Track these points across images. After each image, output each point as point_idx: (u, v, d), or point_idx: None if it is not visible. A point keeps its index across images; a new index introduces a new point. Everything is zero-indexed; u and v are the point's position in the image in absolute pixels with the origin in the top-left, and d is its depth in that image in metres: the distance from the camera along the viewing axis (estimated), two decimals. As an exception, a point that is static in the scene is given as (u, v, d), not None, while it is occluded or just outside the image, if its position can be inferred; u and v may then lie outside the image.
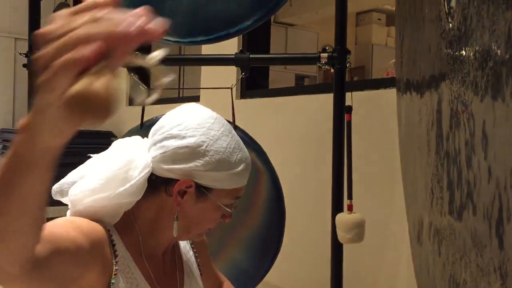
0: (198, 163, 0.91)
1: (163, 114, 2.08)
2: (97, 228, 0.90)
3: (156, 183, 0.94)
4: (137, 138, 1.01)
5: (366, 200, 2.61)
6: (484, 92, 0.65)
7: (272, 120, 3.31)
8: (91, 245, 0.85)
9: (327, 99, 2.17)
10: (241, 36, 3.47)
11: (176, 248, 1.09)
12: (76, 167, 1.03)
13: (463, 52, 0.72)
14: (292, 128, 3.14)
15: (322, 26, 5.78)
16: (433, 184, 0.93)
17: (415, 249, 1.44)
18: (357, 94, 2.54)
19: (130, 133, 2.05)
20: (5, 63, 6.53)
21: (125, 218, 0.95)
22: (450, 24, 0.78)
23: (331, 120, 1.97)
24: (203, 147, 0.92)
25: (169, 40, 1.98)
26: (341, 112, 1.90)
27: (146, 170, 0.92)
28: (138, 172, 0.91)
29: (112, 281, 0.89)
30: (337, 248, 1.97)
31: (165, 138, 0.93)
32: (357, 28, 6.29)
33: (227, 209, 0.97)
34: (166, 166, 0.92)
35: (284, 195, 2.05)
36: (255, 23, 1.87)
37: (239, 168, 0.94)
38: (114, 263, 0.90)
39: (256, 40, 3.56)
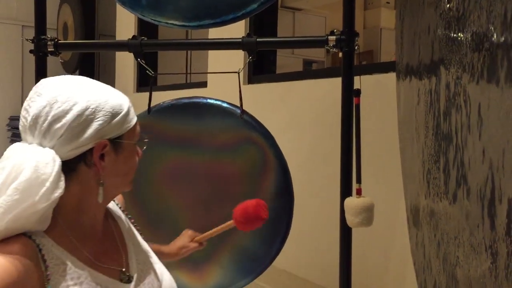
0: (98, 122, 0.93)
1: (170, 99, 2.09)
2: (14, 265, 0.85)
3: (70, 167, 0.94)
4: (15, 146, 0.95)
5: (375, 184, 2.61)
6: (480, 74, 0.64)
7: (279, 105, 3.29)
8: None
9: (335, 83, 2.15)
10: (248, 20, 3.44)
11: (109, 218, 1.11)
12: None
13: (461, 34, 0.72)
14: (300, 112, 3.13)
15: (330, 10, 5.72)
16: (430, 165, 0.93)
17: (411, 230, 1.44)
18: (365, 78, 2.52)
19: (138, 118, 2.05)
20: (12, 51, 6.54)
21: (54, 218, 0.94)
22: (449, 5, 0.77)
23: (339, 104, 1.95)
24: (92, 107, 0.93)
25: (175, 24, 1.97)
26: (350, 96, 1.89)
27: (57, 166, 0.90)
28: (51, 167, 0.89)
29: (48, 287, 0.89)
30: (345, 232, 1.97)
31: (51, 124, 0.91)
32: (365, 12, 6.22)
33: (140, 145, 1.04)
34: (72, 146, 0.92)
35: (293, 180, 2.05)
36: (261, 5, 1.85)
37: (126, 105, 0.99)
38: (45, 271, 0.89)
39: (263, 24, 3.53)
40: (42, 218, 0.90)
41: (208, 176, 1.90)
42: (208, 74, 4.00)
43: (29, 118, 0.93)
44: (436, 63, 0.84)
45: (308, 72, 4.99)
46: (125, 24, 5.38)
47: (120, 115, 0.96)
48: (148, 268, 1.09)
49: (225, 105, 2.00)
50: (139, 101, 5.29)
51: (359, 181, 1.87)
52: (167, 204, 1.94)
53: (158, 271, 1.11)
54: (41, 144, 0.92)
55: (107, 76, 6.43)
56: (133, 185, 1.99)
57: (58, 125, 0.91)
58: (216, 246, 1.92)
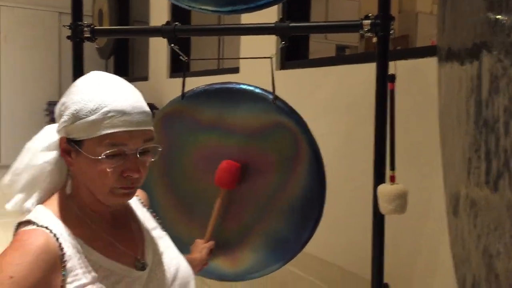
0: (63, 119, 0.99)
1: (203, 85, 2.10)
2: (35, 256, 0.92)
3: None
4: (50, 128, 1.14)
5: (409, 171, 2.57)
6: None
7: (313, 91, 3.27)
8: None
9: (370, 69, 2.11)
10: (281, 5, 3.41)
11: (127, 209, 1.15)
12: None
13: (504, 16, 0.69)
14: (334, 98, 3.09)
15: (364, -6, 5.61)
16: (471, 153, 0.91)
17: (451, 221, 1.41)
18: (400, 63, 2.47)
19: (171, 104, 2.08)
20: (50, 37, 6.69)
21: (67, 205, 1.02)
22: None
23: (374, 90, 1.92)
24: (64, 105, 1.00)
25: (209, 10, 1.97)
26: (384, 81, 1.85)
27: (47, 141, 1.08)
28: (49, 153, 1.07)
29: (63, 273, 0.93)
30: (378, 220, 1.95)
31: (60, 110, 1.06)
32: (401, -4, 6.07)
33: (105, 158, 0.97)
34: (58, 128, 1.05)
35: (326, 166, 2.04)
36: (295, -10, 1.83)
37: (97, 115, 0.95)
38: (62, 258, 0.95)
39: (296, 9, 3.49)
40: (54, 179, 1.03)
41: (240, 161, 1.90)
42: (240, 60, 4.00)
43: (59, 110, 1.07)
44: (479, 46, 0.81)
45: (342, 57, 4.92)
46: (159, 10, 5.41)
47: (84, 120, 0.96)
48: (164, 257, 1.11)
49: (257, 90, 2.00)
50: (172, 86, 5.35)
51: (392, 168, 1.85)
52: (200, 189, 1.96)
53: (174, 260, 1.13)
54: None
55: (140, 62, 6.51)
56: (167, 171, 2.02)
57: (58, 109, 1.05)
58: (248, 231, 1.94)
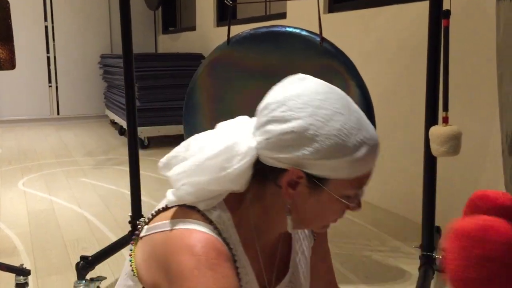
0: (306, 150, 0.76)
1: (249, 30, 2.08)
2: (219, 254, 0.80)
3: (264, 171, 0.81)
4: (244, 119, 0.87)
5: (464, 112, 2.47)
6: None
7: (363, 33, 3.16)
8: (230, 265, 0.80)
9: (422, 7, 2.01)
10: None
11: (285, 234, 0.98)
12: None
13: None
14: (384, 39, 2.99)
15: None
16: None
17: (506, 161, 1.35)
18: (456, -1, 2.33)
19: (217, 50, 2.07)
20: (99, -9, 6.78)
21: (241, 209, 0.86)
22: None
23: (426, 29, 1.83)
24: (311, 131, 0.75)
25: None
26: (438, 17, 1.76)
27: (247, 159, 0.80)
28: (238, 160, 0.80)
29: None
30: (430, 162, 1.91)
31: (268, 122, 0.79)
32: None
33: (348, 202, 0.81)
34: (271, 154, 0.79)
35: (376, 109, 1.99)
36: None
37: (359, 153, 0.76)
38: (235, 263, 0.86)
39: None
40: (211, 200, 0.84)
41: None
42: (288, 5, 3.90)
43: (263, 102, 0.82)
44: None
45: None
46: (204, -43, 5.32)
47: (337, 159, 0.76)
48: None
49: (304, 33, 1.95)
50: (219, 35, 5.37)
51: (446, 108, 1.78)
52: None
53: None
54: (253, 133, 0.82)
55: (188, 12, 6.49)
56: (215, 117, 2.05)
57: (271, 127, 0.78)
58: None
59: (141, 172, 2.30)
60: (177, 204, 0.86)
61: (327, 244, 1.08)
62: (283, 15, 4.02)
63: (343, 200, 0.80)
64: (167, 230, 0.82)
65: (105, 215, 3.00)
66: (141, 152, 4.89)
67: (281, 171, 0.79)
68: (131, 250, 0.89)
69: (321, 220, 0.86)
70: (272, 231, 0.90)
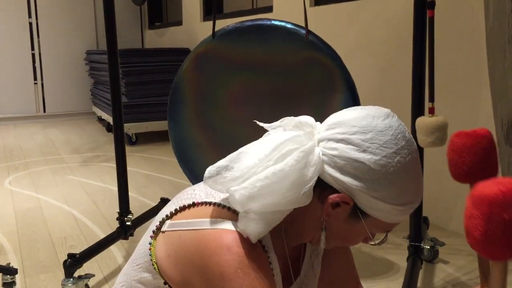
0: (366, 185, 0.77)
1: (234, 23, 2.06)
2: (258, 255, 0.79)
3: (316, 184, 0.80)
4: (305, 119, 0.85)
5: (449, 103, 2.49)
6: None
7: (348, 25, 3.16)
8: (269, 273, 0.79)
9: (408, -4, 2.00)
10: None
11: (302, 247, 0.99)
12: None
13: None
14: (370, 31, 2.99)
15: None
16: None
17: (502, 149, 1.36)
18: (441, -10, 2.33)
19: (203, 43, 2.06)
20: (83, -14, 6.71)
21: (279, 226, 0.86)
22: None
23: (412, 20, 1.83)
24: (380, 172, 0.77)
25: None
26: (423, 8, 1.76)
27: (319, 168, 0.78)
28: (313, 171, 0.78)
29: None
30: (417, 153, 1.91)
31: (342, 141, 0.78)
32: None
33: (371, 238, 0.85)
34: (331, 171, 0.79)
35: (362, 101, 1.99)
36: None
37: (405, 207, 0.80)
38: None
39: None
40: (276, 221, 0.80)
41: (274, 98, 1.89)
42: (274, -2, 3.89)
43: (339, 117, 0.81)
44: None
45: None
46: (189, -49, 5.28)
47: (386, 204, 0.78)
48: None
49: (289, 26, 1.95)
50: (206, 29, 5.32)
51: (432, 99, 1.79)
52: (234, 126, 1.97)
53: None
54: (318, 142, 0.81)
55: (174, 6, 6.44)
56: (201, 110, 2.03)
57: (344, 148, 0.78)
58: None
59: (129, 168, 2.28)
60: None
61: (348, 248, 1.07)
62: (269, 9, 4.00)
63: (370, 235, 0.84)
64: (198, 229, 0.80)
65: (93, 212, 2.98)
66: (129, 149, 4.87)
67: (332, 190, 0.80)
68: (150, 244, 0.87)
69: (341, 243, 0.88)
70: (298, 240, 0.90)
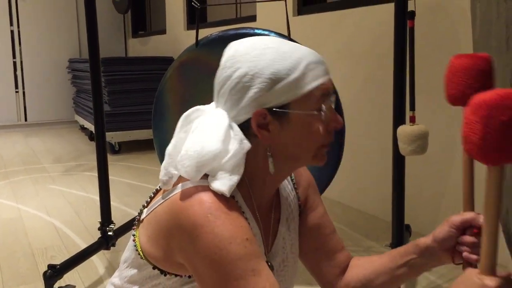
0: (255, 88, 0.81)
1: (217, 32, 2.07)
2: (231, 205, 0.81)
3: (245, 132, 0.85)
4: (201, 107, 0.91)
5: (430, 112, 2.52)
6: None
7: (331, 35, 3.19)
8: (246, 230, 0.79)
9: (389, 8, 2.04)
10: None
11: (276, 194, 1.00)
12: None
13: None
14: (352, 41, 3.02)
15: None
16: (508, 86, 0.87)
17: None
18: (422, 0, 2.37)
19: (186, 52, 2.06)
20: (66, -6, 6.67)
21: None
22: None
23: (393, 30, 1.86)
24: (251, 72, 0.82)
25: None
26: (403, 18, 1.79)
27: (225, 117, 0.84)
28: (219, 125, 0.84)
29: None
30: (398, 161, 1.93)
31: (220, 88, 0.85)
32: None
33: (321, 112, 0.84)
34: (234, 112, 0.84)
35: (345, 110, 2.01)
36: None
37: (300, 69, 0.82)
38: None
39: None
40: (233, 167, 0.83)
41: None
42: (258, 8, 3.91)
43: (215, 78, 0.88)
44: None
45: None
46: (173, -40, 5.29)
47: (284, 81, 0.81)
48: (288, 259, 1.01)
49: (272, 35, 1.96)
50: (190, 37, 5.30)
51: (412, 108, 1.81)
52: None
53: (294, 264, 1.02)
54: (216, 106, 0.87)
55: (157, 15, 6.44)
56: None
57: (223, 90, 0.84)
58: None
59: (112, 177, 2.26)
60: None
61: (323, 208, 1.07)
62: (253, 18, 4.03)
63: (311, 113, 0.84)
64: (169, 197, 0.82)
65: (75, 222, 2.94)
66: (112, 157, 4.83)
67: (249, 120, 0.84)
68: (133, 235, 0.89)
69: (307, 147, 0.87)
70: (265, 189, 0.92)
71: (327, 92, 0.85)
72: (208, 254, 0.75)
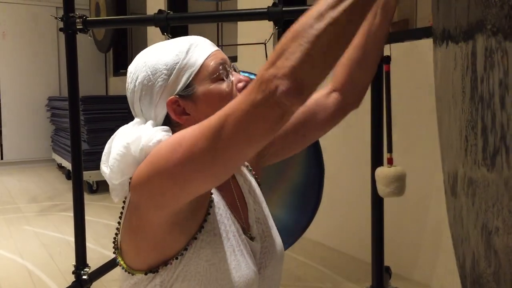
0: (157, 85, 0.90)
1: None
2: None
3: (173, 130, 0.91)
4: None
5: (407, 153, 2.55)
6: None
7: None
8: None
9: (366, 51, 2.08)
10: (277, -9, 3.38)
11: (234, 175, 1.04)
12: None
13: None
14: (331, 84, 3.08)
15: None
16: (468, 131, 0.89)
17: (449, 201, 1.40)
18: (397, 46, 2.45)
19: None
20: (48, 33, 6.68)
21: None
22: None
23: (370, 72, 1.90)
24: (148, 74, 0.91)
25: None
26: (380, 63, 1.83)
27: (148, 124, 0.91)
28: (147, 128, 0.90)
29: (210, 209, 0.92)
30: (377, 203, 1.94)
31: (132, 101, 0.94)
32: (399, -21, 5.99)
33: (221, 76, 0.92)
34: (152, 113, 0.92)
35: (323, 150, 2.02)
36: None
37: (185, 50, 0.92)
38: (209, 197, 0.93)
39: (292, -6, 3.46)
40: None
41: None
42: (238, 49, 3.98)
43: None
44: (473, 23, 0.80)
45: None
46: (155, 2, 5.38)
47: (177, 66, 0.90)
48: (267, 229, 1.04)
49: (252, 77, 1.98)
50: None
51: (390, 150, 1.83)
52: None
53: (275, 235, 1.05)
54: (136, 116, 0.95)
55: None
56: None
57: (135, 104, 0.93)
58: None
59: (89, 218, 2.22)
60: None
61: None
62: (234, 59, 4.09)
63: (213, 82, 0.91)
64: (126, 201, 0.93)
65: (48, 265, 2.85)
66: (89, 197, 4.74)
67: (166, 113, 0.92)
68: (117, 261, 0.95)
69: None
70: None
71: (221, 60, 0.93)
72: (149, 159, 0.83)
